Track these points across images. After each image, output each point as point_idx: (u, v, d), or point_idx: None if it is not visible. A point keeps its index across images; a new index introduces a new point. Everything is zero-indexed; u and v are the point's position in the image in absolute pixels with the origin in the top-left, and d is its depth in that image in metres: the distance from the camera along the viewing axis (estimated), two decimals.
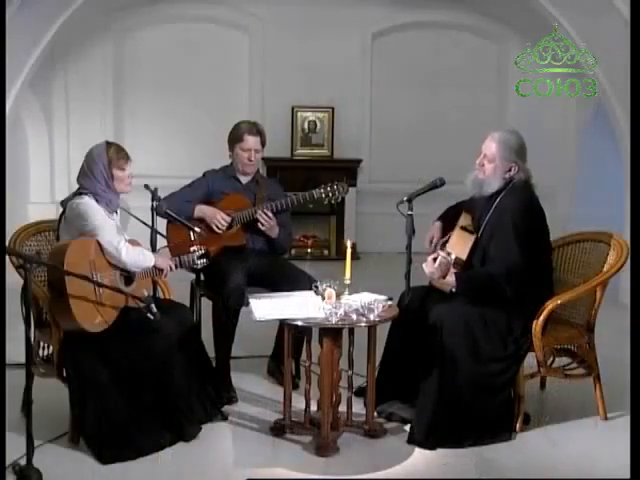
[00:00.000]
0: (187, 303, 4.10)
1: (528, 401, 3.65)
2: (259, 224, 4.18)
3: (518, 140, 3.66)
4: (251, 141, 4.28)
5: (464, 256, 3.64)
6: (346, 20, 8.12)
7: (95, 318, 3.32)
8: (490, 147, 3.64)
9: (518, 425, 3.57)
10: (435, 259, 3.53)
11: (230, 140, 4.34)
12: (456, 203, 4.00)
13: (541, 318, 3.51)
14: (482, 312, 3.50)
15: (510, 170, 3.62)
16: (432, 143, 8.27)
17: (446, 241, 3.82)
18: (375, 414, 3.63)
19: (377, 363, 3.64)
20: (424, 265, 3.59)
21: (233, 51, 8.28)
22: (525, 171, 3.65)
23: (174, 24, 8.17)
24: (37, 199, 7.92)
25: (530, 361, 3.60)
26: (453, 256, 3.54)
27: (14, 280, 3.28)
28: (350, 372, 3.58)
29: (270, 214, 4.18)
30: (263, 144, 4.35)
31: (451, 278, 3.52)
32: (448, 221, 3.91)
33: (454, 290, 3.54)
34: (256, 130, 4.31)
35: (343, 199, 4.56)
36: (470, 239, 3.69)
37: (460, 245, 3.70)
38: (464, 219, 3.82)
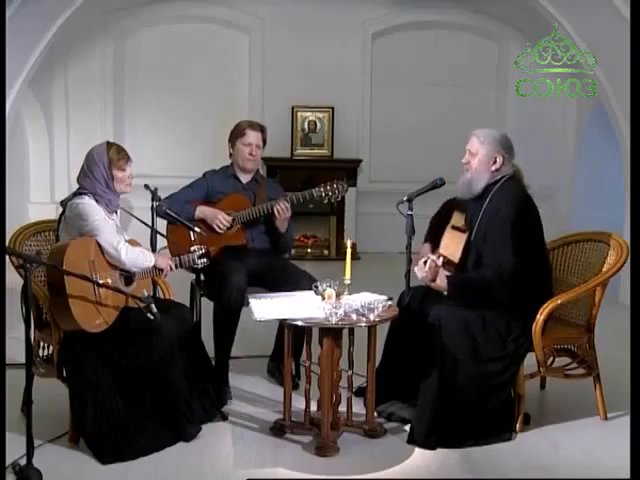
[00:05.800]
0: (187, 303, 4.10)
1: (528, 401, 3.64)
2: (276, 212, 4.15)
3: (501, 133, 3.67)
4: (252, 135, 4.29)
5: (457, 256, 3.63)
6: (346, 20, 8.13)
7: (95, 318, 3.32)
8: (472, 142, 3.65)
9: (518, 425, 3.57)
10: (426, 262, 3.53)
11: (231, 137, 4.36)
12: (447, 201, 3.97)
13: (541, 318, 3.51)
14: (481, 312, 3.49)
15: (495, 162, 3.61)
16: (432, 143, 8.28)
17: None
18: (375, 414, 3.63)
19: (377, 363, 3.64)
20: (416, 269, 3.60)
21: (233, 51, 8.30)
22: (513, 166, 3.65)
23: (174, 24, 8.19)
24: (37, 199, 7.93)
25: (530, 361, 3.59)
26: (440, 260, 3.53)
27: (14, 280, 3.29)
28: (350, 372, 3.58)
29: (287, 205, 4.17)
30: (264, 142, 4.36)
31: (441, 282, 3.52)
32: (440, 224, 3.88)
33: (446, 294, 3.54)
34: (258, 126, 4.35)
35: (343, 199, 4.57)
36: (462, 238, 3.68)
37: (453, 245, 3.70)
38: (456, 218, 3.81)
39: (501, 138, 3.64)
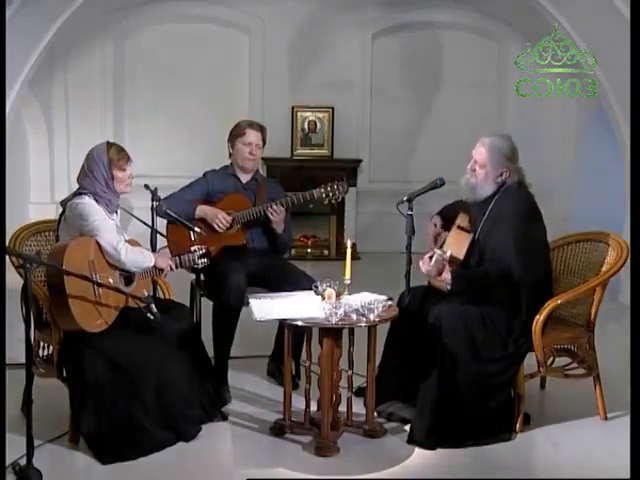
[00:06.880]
0: (187, 303, 4.10)
1: (528, 401, 3.65)
2: (269, 214, 4.17)
3: (508, 144, 3.64)
4: (252, 135, 4.30)
5: (461, 255, 3.64)
6: (346, 20, 8.12)
7: (95, 319, 3.32)
8: (480, 153, 3.63)
9: (518, 425, 3.57)
10: (431, 257, 3.53)
11: (231, 136, 4.36)
12: (454, 201, 4.00)
13: (541, 318, 3.51)
14: (482, 312, 3.50)
15: (502, 175, 3.62)
16: (432, 143, 8.27)
17: (444, 240, 3.83)
18: (375, 414, 3.63)
19: (377, 363, 3.64)
20: (421, 263, 3.59)
21: (233, 51, 8.29)
22: (518, 173, 3.65)
23: (174, 24, 8.17)
24: (37, 199, 7.92)
25: (530, 361, 3.60)
26: (448, 253, 3.53)
27: (14, 280, 3.28)
28: (350, 372, 3.58)
29: (281, 207, 4.18)
30: (264, 141, 4.37)
31: (448, 275, 3.51)
32: (446, 219, 3.92)
33: (450, 287, 3.54)
34: (257, 126, 4.35)
35: (343, 199, 4.58)
36: (467, 238, 3.69)
37: (457, 245, 3.70)
38: (461, 219, 3.82)
39: (508, 151, 3.61)
